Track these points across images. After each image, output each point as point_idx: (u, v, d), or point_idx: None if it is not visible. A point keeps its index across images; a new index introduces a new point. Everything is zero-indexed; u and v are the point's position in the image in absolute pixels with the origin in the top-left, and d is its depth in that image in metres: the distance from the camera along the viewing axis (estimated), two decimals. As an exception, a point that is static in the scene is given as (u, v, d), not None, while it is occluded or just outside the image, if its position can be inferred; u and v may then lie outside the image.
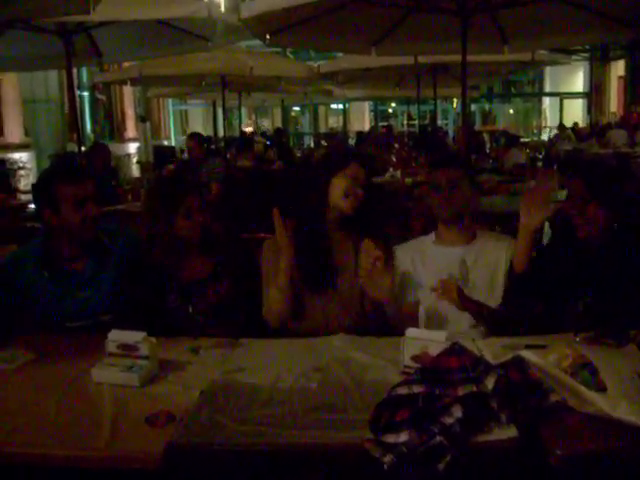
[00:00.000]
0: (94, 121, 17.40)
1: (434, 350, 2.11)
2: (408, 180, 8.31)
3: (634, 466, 1.76)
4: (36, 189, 2.91)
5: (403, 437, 1.73)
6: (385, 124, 23.75)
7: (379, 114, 29.36)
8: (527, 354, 2.16)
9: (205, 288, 2.87)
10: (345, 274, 2.86)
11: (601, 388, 1.97)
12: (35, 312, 2.85)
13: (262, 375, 2.22)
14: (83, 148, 9.20)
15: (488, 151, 12.36)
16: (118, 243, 2.97)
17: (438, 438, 1.71)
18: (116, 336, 2.29)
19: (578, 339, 2.42)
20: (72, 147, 7.72)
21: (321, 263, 2.84)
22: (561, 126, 19.50)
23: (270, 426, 1.86)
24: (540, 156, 13.96)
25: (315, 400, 2.03)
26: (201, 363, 2.38)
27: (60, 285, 2.84)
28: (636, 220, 2.73)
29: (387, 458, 1.68)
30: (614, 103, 23.26)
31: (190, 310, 2.47)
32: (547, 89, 27.81)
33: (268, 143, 13.92)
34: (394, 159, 10.87)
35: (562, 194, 6.25)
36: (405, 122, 27.91)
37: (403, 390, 1.89)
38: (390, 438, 1.73)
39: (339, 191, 2.83)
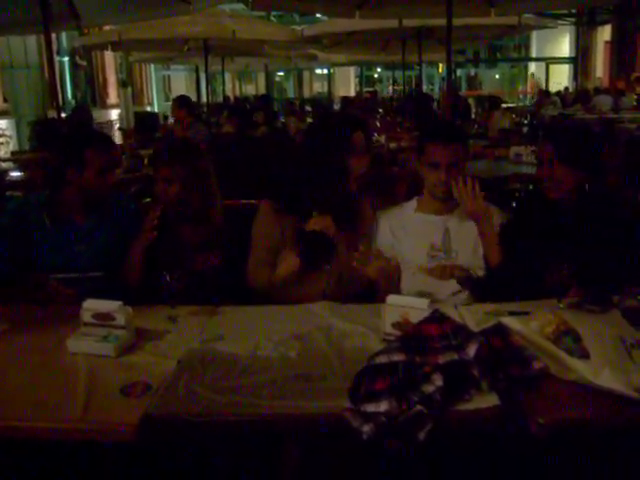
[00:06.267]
0: (75, 87, 17.09)
1: (415, 317, 2.08)
2: (393, 145, 8.25)
3: (616, 434, 1.74)
4: (68, 145, 2.99)
5: (383, 406, 1.70)
6: (370, 89, 23.56)
7: (364, 79, 29.13)
8: (509, 321, 2.14)
9: (196, 254, 2.86)
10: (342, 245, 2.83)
11: (584, 355, 1.95)
12: (29, 260, 2.86)
13: (241, 343, 2.19)
14: (63, 115, 9.06)
15: (473, 116, 12.28)
16: (120, 205, 3.05)
17: (418, 407, 1.68)
18: (91, 305, 2.23)
19: (561, 305, 2.40)
20: (53, 114, 7.57)
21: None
22: (541, 91, 19.34)
23: (249, 396, 1.82)
24: (526, 121, 13.90)
25: (294, 369, 1.99)
26: (179, 332, 2.34)
27: (60, 236, 2.88)
28: (606, 183, 2.76)
29: (366, 428, 1.65)
30: (600, 68, 23.14)
31: (167, 278, 2.41)
32: (533, 54, 27.63)
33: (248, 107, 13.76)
34: (378, 124, 10.78)
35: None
36: (390, 87, 27.72)
37: (383, 359, 1.86)
38: (370, 407, 1.70)
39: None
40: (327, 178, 2.79)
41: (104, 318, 2.21)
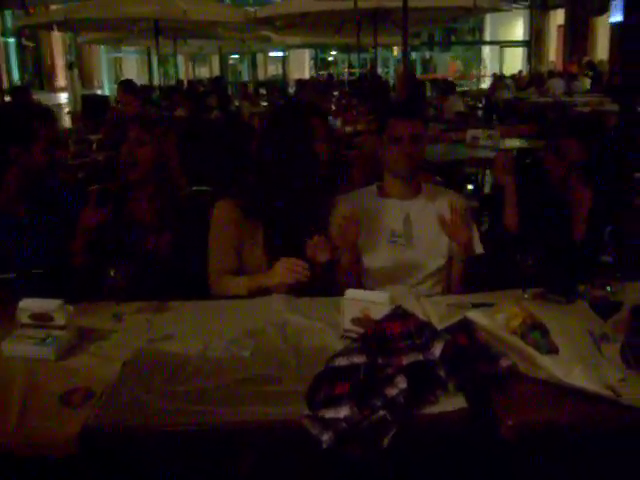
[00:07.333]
0: (22, 70, 16.57)
1: (376, 312, 1.97)
2: (348, 129, 8.12)
3: (586, 435, 1.66)
4: (11, 120, 2.76)
5: (343, 412, 1.58)
6: (326, 72, 23.42)
7: (319, 62, 28.97)
8: (475, 315, 2.05)
9: (148, 233, 2.80)
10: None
11: (553, 350, 1.87)
12: None
13: (191, 343, 2.05)
14: (7, 98, 8.74)
15: (429, 100, 12.21)
16: (62, 192, 2.86)
17: (381, 412, 1.57)
18: (28, 305, 2.07)
19: (526, 295, 2.33)
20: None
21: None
22: (495, 75, 19.41)
23: (198, 403, 1.70)
24: (480, 105, 13.92)
25: (247, 371, 1.87)
26: (124, 331, 2.19)
27: None
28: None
29: (326, 436, 1.54)
30: (553, 52, 23.32)
31: (112, 274, 2.25)
32: (487, 38, 27.70)
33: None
34: (334, 107, 10.65)
35: (503, 143, 6.24)
36: (346, 70, 27.58)
37: (343, 361, 1.75)
38: (329, 413, 1.59)
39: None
40: (300, 167, 2.66)
41: (42, 318, 2.06)
